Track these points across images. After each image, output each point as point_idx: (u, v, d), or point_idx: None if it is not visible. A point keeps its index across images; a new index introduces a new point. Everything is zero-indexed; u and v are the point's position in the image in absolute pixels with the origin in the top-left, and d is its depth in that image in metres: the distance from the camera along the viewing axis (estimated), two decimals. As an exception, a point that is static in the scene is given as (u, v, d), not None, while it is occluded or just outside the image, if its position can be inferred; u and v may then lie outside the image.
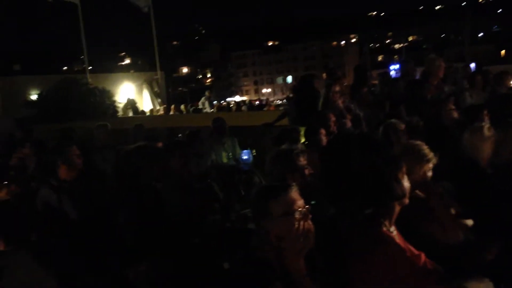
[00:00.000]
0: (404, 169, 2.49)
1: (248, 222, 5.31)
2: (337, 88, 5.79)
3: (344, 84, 6.46)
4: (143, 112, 17.64)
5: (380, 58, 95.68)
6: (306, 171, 3.25)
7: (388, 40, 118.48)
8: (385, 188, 2.39)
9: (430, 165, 3.01)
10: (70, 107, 14.71)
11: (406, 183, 2.47)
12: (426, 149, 3.05)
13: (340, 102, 5.63)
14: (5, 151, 6.27)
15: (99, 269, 3.27)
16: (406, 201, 2.45)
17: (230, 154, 6.71)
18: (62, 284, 2.77)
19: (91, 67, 20.95)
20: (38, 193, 3.94)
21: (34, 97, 17.17)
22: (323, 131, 4.84)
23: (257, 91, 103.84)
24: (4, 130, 7.79)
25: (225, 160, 6.75)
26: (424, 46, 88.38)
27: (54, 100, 15.39)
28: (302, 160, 3.22)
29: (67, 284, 2.89)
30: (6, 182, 3.66)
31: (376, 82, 8.52)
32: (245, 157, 6.30)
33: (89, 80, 17.87)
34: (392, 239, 2.35)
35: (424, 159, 3.00)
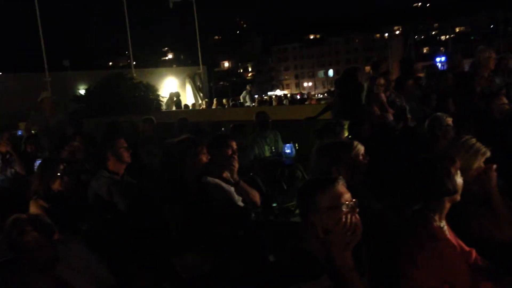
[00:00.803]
0: (457, 165, 2.43)
1: (291, 215, 5.33)
2: (382, 81, 5.69)
3: (389, 78, 6.33)
4: (186, 106, 17.89)
5: (425, 50, 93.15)
6: (352, 165, 3.21)
7: (434, 32, 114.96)
8: (436, 184, 2.35)
9: (482, 160, 2.92)
10: (116, 101, 15.09)
11: (459, 179, 2.41)
12: (478, 143, 2.96)
13: (383, 96, 5.53)
14: (57, 144, 6.52)
15: (146, 258, 3.36)
16: (458, 197, 2.39)
17: (273, 148, 6.73)
18: (112, 271, 2.88)
19: (135, 62, 21.40)
20: (90, 185, 4.08)
21: (82, 92, 17.72)
22: (367, 125, 4.78)
23: (298, 85, 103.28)
24: (57, 125, 8.09)
25: (267, 154, 6.78)
26: (472, 38, 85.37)
27: (101, 95, 15.82)
28: (346, 154, 3.18)
29: (117, 271, 3.00)
30: (59, 174, 3.80)
31: (422, 74, 8.31)
32: (287, 151, 6.31)
33: (134, 75, 18.27)
34: (442, 234, 2.30)
35: (479, 153, 2.91)
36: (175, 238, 3.47)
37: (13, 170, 5.84)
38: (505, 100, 4.72)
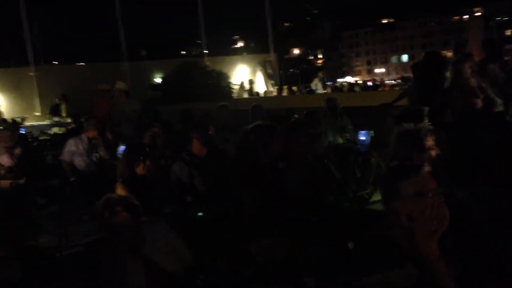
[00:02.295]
0: None
1: (365, 203, 5.26)
2: (469, 65, 5.40)
3: (474, 60, 5.98)
4: (257, 93, 18.02)
5: (508, 32, 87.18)
6: (433, 152, 3.09)
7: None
8: None
9: None
10: (190, 89, 15.49)
11: None
12: None
13: (473, 81, 5.24)
14: (136, 131, 6.81)
15: (224, 241, 3.45)
16: None
17: (348, 135, 6.64)
18: (194, 253, 2.98)
19: (207, 51, 21.81)
20: (171, 169, 4.24)
21: (158, 80, 18.35)
22: (449, 111, 4.58)
23: (370, 72, 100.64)
24: (133, 113, 8.44)
25: (340, 140, 6.70)
26: (562, 17, 78.77)
27: (175, 83, 16.29)
28: (430, 140, 3.06)
29: (196, 253, 3.10)
30: (142, 158, 3.97)
31: (507, 58, 7.82)
32: (362, 137, 6.19)
33: (207, 63, 18.63)
34: None
35: None
36: (251, 222, 3.54)
37: (98, 154, 6.19)
38: None
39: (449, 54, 8.89)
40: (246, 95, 17.56)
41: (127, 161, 3.96)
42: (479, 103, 5.03)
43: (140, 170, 3.92)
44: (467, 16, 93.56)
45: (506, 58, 7.38)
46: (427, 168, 2.09)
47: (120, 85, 8.97)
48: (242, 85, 18.64)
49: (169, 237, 2.76)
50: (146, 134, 5.59)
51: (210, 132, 4.31)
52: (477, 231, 2.32)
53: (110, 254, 2.64)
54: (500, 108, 5.08)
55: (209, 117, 8.20)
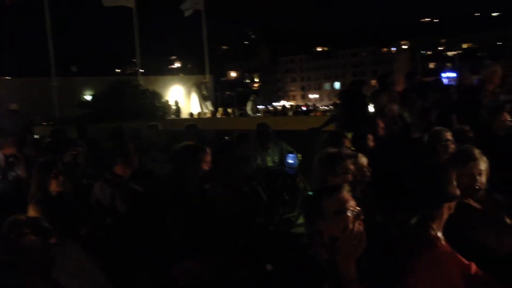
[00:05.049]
0: (455, 175, 2.45)
1: (291, 226, 5.32)
2: (388, 94, 5.70)
3: (394, 90, 6.33)
4: (191, 114, 17.96)
5: (431, 65, 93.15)
6: (350, 177, 3.20)
7: (441, 47, 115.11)
8: (438, 189, 2.35)
9: (481, 166, 2.91)
10: (122, 108, 15.17)
11: (457, 190, 2.43)
12: (472, 149, 2.97)
13: (393, 109, 5.52)
14: (59, 148, 6.52)
15: (145, 264, 3.35)
16: (453, 206, 2.39)
17: (276, 158, 6.71)
18: (109, 276, 2.86)
19: (142, 70, 21.52)
20: (92, 189, 4.08)
21: (88, 97, 17.84)
22: (370, 137, 4.77)
23: (304, 97, 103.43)
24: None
25: (270, 164, 6.76)
26: (479, 54, 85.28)
27: (107, 101, 15.92)
28: (348, 165, 3.17)
29: (113, 277, 2.98)
30: (53, 175, 3.76)
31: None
32: (290, 161, 6.29)
33: (141, 82, 18.37)
34: (440, 242, 2.29)
35: (471, 158, 2.91)
36: (175, 245, 3.46)
37: (14, 173, 5.86)
38: (507, 117, 4.69)
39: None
40: (174, 116, 17.50)
41: (38, 179, 3.76)
42: (398, 130, 5.29)
43: (53, 187, 3.73)
44: (395, 49, 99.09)
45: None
46: (347, 188, 2.15)
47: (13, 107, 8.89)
48: (177, 105, 18.54)
49: (80, 260, 2.64)
50: (68, 152, 5.35)
51: (134, 151, 4.18)
52: (391, 255, 2.40)
53: (17, 278, 2.48)
54: (417, 135, 5.36)
55: (138, 136, 8.05)
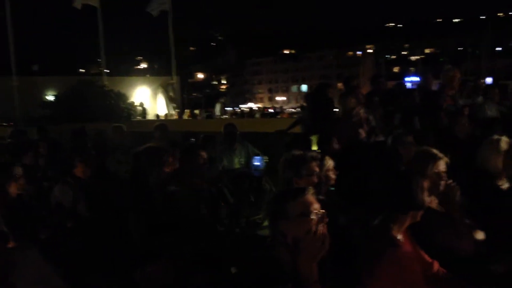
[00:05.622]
0: (426, 183, 2.48)
1: (257, 228, 5.31)
2: (354, 97, 5.77)
3: (359, 93, 6.41)
4: (157, 116, 17.77)
5: (396, 69, 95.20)
6: (314, 178, 3.23)
7: (405, 52, 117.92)
8: (408, 196, 2.38)
9: (442, 167, 2.98)
10: (85, 108, 14.87)
11: (426, 198, 2.45)
12: (432, 150, 3.05)
13: (358, 111, 5.60)
14: (19, 150, 6.33)
15: (106, 268, 3.28)
16: (419, 217, 2.42)
17: (242, 159, 6.70)
18: (69, 282, 2.78)
19: (108, 70, 21.16)
20: (53, 190, 3.97)
21: (50, 97, 17.39)
22: (335, 139, 4.81)
23: (271, 99, 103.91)
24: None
25: (236, 166, 6.74)
26: (441, 59, 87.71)
27: (70, 101, 15.58)
28: (313, 167, 3.19)
29: (74, 282, 2.91)
30: (13, 177, 3.64)
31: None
32: (256, 163, 6.29)
33: (105, 82, 18.05)
34: (399, 243, 2.33)
35: (436, 158, 2.98)
36: (137, 249, 3.41)
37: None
38: (466, 120, 4.84)
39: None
40: (140, 118, 17.28)
41: None
42: (363, 133, 5.37)
43: (13, 189, 3.60)
44: (360, 52, 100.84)
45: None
46: (311, 191, 2.16)
47: None
48: (142, 106, 18.31)
49: (39, 265, 2.56)
50: (28, 154, 5.20)
51: (93, 153, 4.10)
52: (353, 256, 2.42)
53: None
54: (381, 138, 5.46)
55: (102, 138, 7.88)
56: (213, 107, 19.62)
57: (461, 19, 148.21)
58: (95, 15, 18.66)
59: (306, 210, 2.04)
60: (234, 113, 19.28)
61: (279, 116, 18.97)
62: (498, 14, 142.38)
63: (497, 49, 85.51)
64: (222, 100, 19.34)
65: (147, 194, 3.61)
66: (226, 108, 19.24)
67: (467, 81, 7.24)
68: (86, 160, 4.05)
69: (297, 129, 7.52)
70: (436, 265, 2.45)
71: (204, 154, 4.07)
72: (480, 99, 6.52)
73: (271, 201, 2.21)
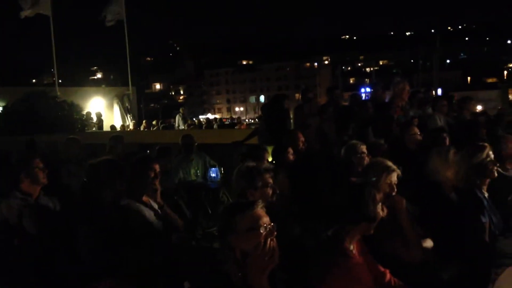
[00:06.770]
0: (380, 195, 2.52)
1: (214, 240, 5.26)
2: (309, 108, 5.86)
3: (314, 103, 6.52)
4: (113, 127, 17.38)
5: (352, 80, 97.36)
6: (269, 190, 3.23)
7: (360, 64, 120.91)
8: (361, 208, 2.41)
9: (394, 178, 3.05)
10: (36, 120, 14.37)
11: (379, 210, 2.48)
12: (385, 161, 3.12)
13: (313, 122, 5.68)
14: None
15: (56, 286, 3.16)
16: (371, 230, 2.45)
17: (199, 171, 6.65)
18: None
19: (60, 81, 20.59)
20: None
21: (-1, 108, 16.74)
22: (290, 150, 4.84)
23: (230, 110, 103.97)
24: None
25: (193, 177, 6.69)
26: (394, 71, 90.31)
27: (20, 112, 15.03)
28: (266, 178, 3.20)
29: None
30: None
31: (346, 104, 8.64)
32: (213, 174, 6.27)
33: (58, 93, 17.52)
34: (351, 253, 2.37)
35: (389, 170, 3.05)
36: (89, 265, 3.30)
37: None
38: (416, 131, 4.99)
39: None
40: (95, 129, 16.85)
41: None
42: (318, 143, 5.44)
43: None
44: (317, 64, 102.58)
45: (345, 104, 8.12)
46: (261, 205, 2.15)
47: None
48: (98, 118, 17.90)
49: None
50: (-27, 168, 4.96)
51: (39, 166, 3.91)
52: (306, 266, 2.43)
53: None
54: (334, 149, 5.55)
55: (53, 150, 7.65)
56: (171, 117, 19.39)
57: (413, 32, 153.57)
58: (48, 24, 18.17)
59: (255, 224, 2.03)
60: (190, 124, 19.11)
61: (236, 127, 18.95)
62: (448, 28, 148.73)
63: (447, 61, 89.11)
64: (181, 111, 19.11)
65: (100, 208, 3.50)
66: (184, 119, 19.03)
67: (417, 92, 7.48)
68: (32, 174, 3.87)
69: (254, 140, 7.54)
70: (388, 275, 2.49)
71: (157, 166, 3.99)
72: (429, 110, 6.75)
73: (221, 214, 2.19)
